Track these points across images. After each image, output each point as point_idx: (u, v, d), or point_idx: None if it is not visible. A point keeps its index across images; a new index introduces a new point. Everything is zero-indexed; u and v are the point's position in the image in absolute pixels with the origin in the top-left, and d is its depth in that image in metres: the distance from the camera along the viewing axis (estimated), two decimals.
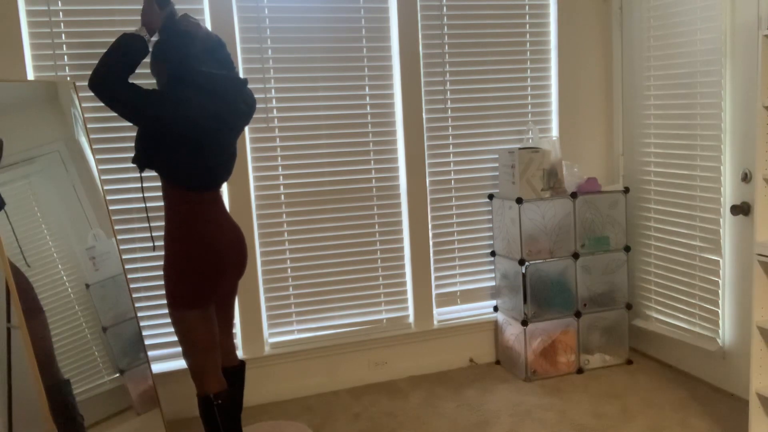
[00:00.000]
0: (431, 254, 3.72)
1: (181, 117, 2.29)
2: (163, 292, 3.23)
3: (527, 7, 3.74)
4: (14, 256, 2.47)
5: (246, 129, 3.35)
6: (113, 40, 2.31)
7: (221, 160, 2.47)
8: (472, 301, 3.85)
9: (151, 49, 2.40)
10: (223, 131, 2.42)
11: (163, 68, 2.40)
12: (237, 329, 3.42)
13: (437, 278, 3.77)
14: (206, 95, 2.35)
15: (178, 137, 2.32)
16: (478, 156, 3.76)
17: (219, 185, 2.51)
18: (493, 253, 3.82)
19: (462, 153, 3.73)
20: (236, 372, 2.75)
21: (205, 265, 2.41)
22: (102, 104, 3.02)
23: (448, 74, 3.66)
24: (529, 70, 3.79)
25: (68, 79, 3.03)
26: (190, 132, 2.32)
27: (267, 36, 3.35)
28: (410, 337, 3.73)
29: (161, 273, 3.20)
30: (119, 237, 3.11)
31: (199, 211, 2.42)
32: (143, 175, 2.47)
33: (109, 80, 2.23)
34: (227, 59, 2.54)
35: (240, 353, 3.42)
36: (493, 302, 3.86)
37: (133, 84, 2.27)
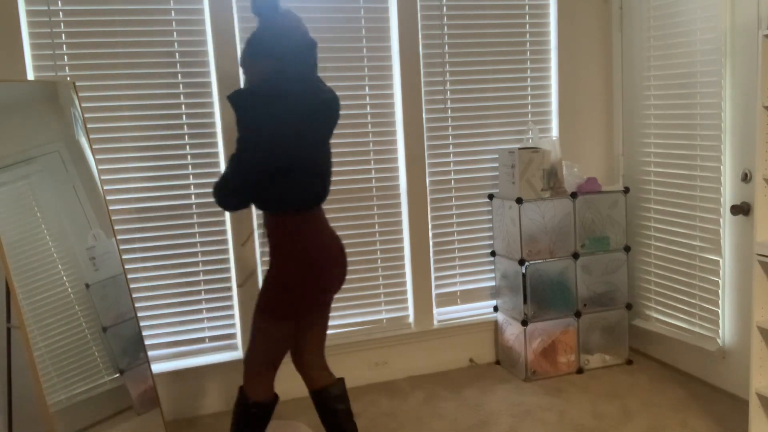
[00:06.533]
0: (431, 254, 3.72)
1: (277, 154, 2.26)
2: (163, 292, 3.26)
3: (527, 7, 3.74)
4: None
5: None
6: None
7: (315, 181, 2.43)
8: (472, 301, 3.85)
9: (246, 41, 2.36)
10: (313, 153, 2.39)
11: (256, 66, 2.34)
12: (237, 329, 3.41)
13: (437, 278, 3.77)
14: (296, 117, 2.29)
15: (273, 171, 2.30)
16: (478, 156, 3.76)
17: (318, 203, 2.47)
18: (493, 253, 3.82)
19: (462, 153, 3.73)
20: (334, 394, 2.65)
21: (308, 282, 2.40)
22: (102, 104, 3.05)
23: (448, 74, 3.66)
24: (529, 70, 3.79)
25: (68, 79, 3.03)
26: (284, 163, 2.29)
27: None
28: (410, 337, 3.73)
29: (161, 273, 3.23)
30: (119, 237, 3.11)
31: (301, 230, 2.40)
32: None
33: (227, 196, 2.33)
34: (314, 63, 2.45)
35: (239, 352, 3.42)
36: (493, 302, 3.86)
37: (234, 171, 2.29)
